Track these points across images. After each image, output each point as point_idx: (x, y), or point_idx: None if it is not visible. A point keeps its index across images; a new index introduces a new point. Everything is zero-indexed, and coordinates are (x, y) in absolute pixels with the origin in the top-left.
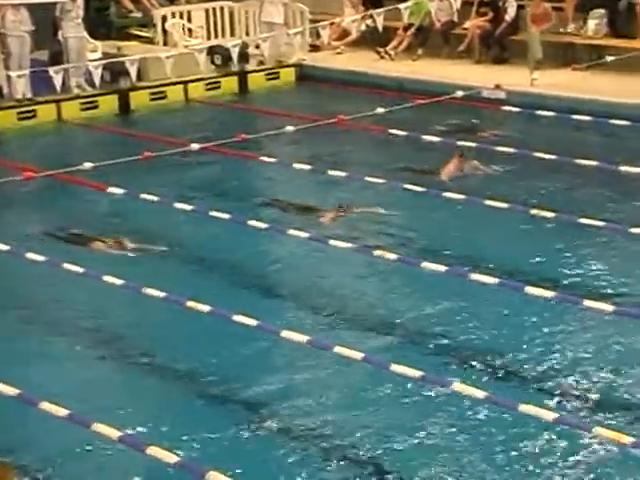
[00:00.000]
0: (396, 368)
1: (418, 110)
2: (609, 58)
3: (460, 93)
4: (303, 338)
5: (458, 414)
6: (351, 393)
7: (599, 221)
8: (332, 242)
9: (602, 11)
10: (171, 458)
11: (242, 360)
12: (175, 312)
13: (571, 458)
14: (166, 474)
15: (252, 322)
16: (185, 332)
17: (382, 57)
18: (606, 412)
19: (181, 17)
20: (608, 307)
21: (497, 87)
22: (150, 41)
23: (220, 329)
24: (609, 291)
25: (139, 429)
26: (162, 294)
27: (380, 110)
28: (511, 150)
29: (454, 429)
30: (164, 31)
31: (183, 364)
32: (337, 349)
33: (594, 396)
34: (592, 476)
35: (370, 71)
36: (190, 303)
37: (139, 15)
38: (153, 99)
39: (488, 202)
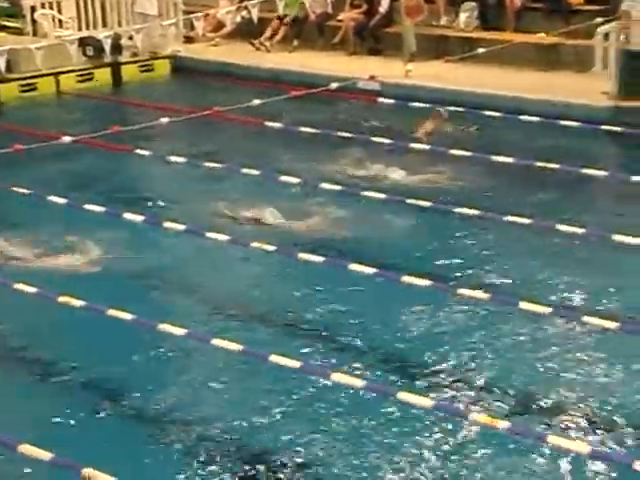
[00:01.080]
0: (275, 359)
1: (294, 102)
2: (480, 50)
3: (335, 84)
4: (181, 331)
5: (336, 403)
6: (229, 384)
7: (473, 209)
8: (208, 234)
9: (473, 4)
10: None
11: (124, 356)
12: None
13: (450, 442)
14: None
15: (127, 316)
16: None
17: (257, 48)
18: (482, 398)
19: (51, 7)
20: (482, 295)
21: (372, 78)
22: (19, 32)
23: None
24: (484, 280)
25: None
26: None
27: (256, 102)
28: (387, 141)
29: (331, 416)
30: (33, 21)
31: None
32: (215, 341)
33: (472, 383)
34: (467, 460)
35: (246, 63)
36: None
37: (7, 5)
38: (23, 91)
39: (367, 193)
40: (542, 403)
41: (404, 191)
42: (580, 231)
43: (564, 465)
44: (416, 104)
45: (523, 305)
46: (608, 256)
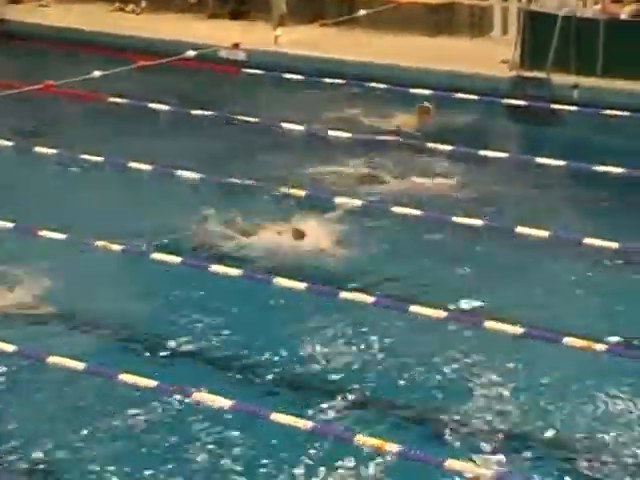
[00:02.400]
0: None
1: (143, 73)
2: (361, 12)
3: (192, 53)
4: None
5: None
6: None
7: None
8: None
9: None
10: None
11: None
12: None
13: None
14: None
15: None
16: None
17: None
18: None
19: None
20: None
21: (236, 46)
22: None
23: None
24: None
25: None
26: None
27: (97, 73)
28: (253, 119)
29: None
30: None
31: None
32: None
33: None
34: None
35: (86, 28)
36: None
37: None
38: None
39: (234, 180)
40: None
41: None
42: (478, 223)
43: None
44: (288, 75)
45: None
46: (508, 253)
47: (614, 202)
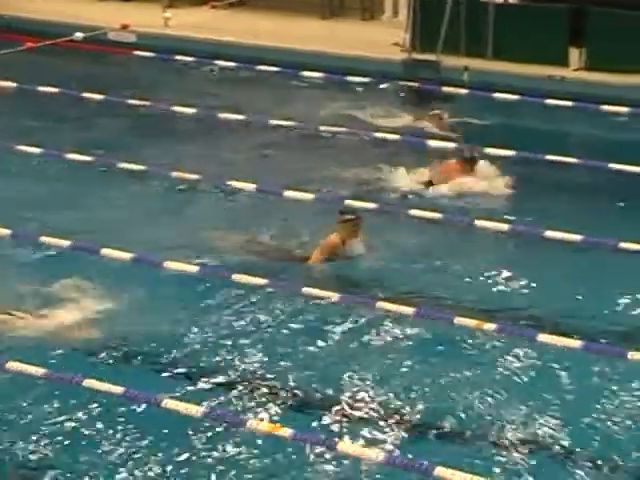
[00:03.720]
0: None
1: (31, 55)
2: None
3: (80, 35)
4: None
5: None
6: None
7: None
8: None
9: None
10: None
11: None
12: None
13: (229, 451)
14: None
15: None
16: None
17: None
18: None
19: None
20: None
21: (125, 28)
22: None
23: None
24: None
25: None
26: None
27: None
28: (144, 102)
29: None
30: None
31: None
32: None
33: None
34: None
35: None
36: None
37: None
38: None
39: (123, 164)
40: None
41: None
42: (372, 206)
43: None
44: (178, 58)
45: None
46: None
47: (503, 182)
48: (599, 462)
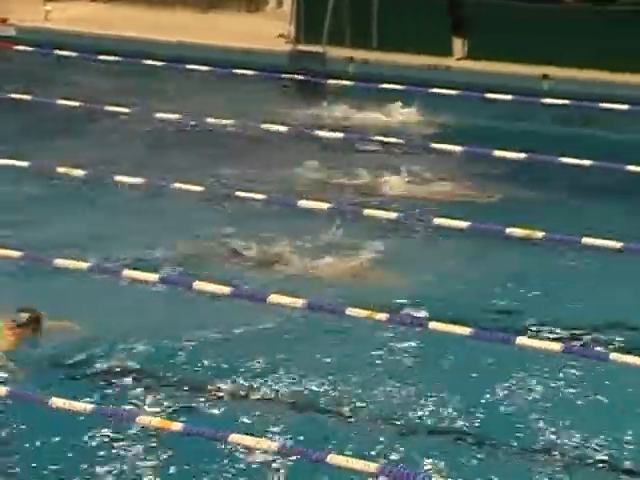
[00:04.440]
0: None
1: None
2: None
3: None
4: None
5: None
6: None
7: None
8: None
9: None
10: None
11: None
12: None
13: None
14: None
15: None
16: None
17: None
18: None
19: None
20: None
21: (4, 22)
22: None
23: None
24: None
25: None
26: None
27: None
28: (25, 97)
29: None
30: None
31: None
32: None
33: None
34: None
35: None
36: None
37: None
38: None
39: (5, 160)
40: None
41: None
42: (260, 197)
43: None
44: (59, 52)
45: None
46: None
47: (391, 168)
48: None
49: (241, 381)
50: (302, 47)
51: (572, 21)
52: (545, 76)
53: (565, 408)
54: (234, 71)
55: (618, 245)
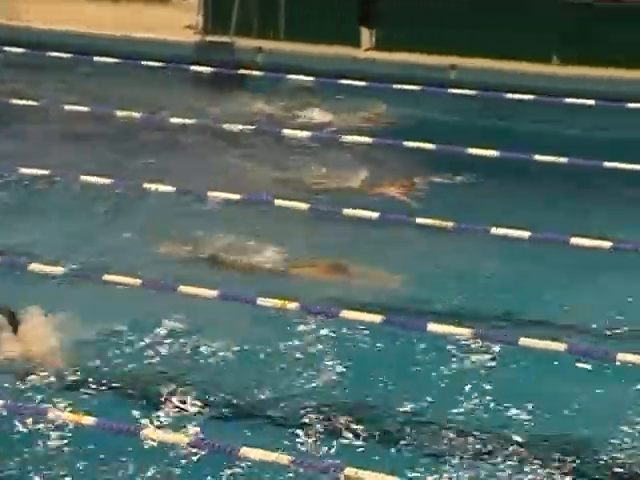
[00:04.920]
0: None
1: None
2: None
3: None
4: None
5: None
6: None
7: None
8: None
9: None
10: None
11: None
12: None
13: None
14: None
15: None
16: None
17: None
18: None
19: None
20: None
21: None
22: None
23: None
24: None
25: None
26: None
27: None
28: None
29: None
30: None
31: None
32: None
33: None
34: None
35: None
36: None
37: None
38: None
39: None
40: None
41: None
42: (170, 189)
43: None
44: None
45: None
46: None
47: (301, 161)
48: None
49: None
50: (210, 38)
51: (479, 11)
52: (453, 66)
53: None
54: (142, 63)
55: (526, 235)
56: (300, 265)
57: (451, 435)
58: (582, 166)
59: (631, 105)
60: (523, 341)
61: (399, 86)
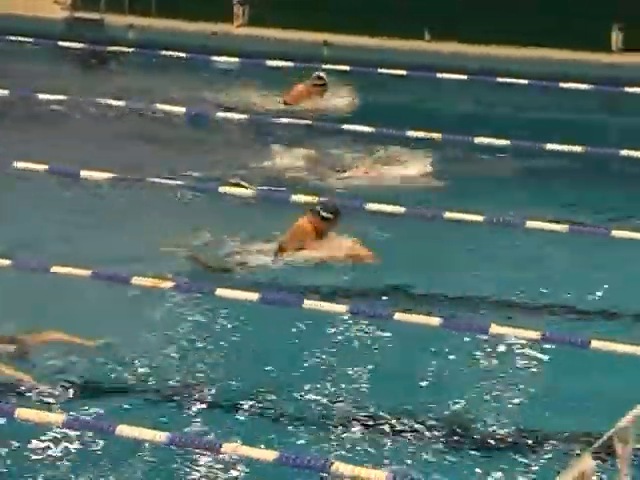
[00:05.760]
0: None
1: None
2: None
3: None
4: None
5: None
6: None
7: None
8: None
9: None
10: None
11: None
12: None
13: None
14: None
15: None
16: None
17: None
18: None
19: None
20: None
21: None
22: None
23: None
24: None
25: None
26: None
27: None
28: None
29: None
30: None
31: None
32: None
33: None
34: None
35: None
36: None
37: None
38: None
39: None
40: None
41: None
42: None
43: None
44: None
45: None
46: None
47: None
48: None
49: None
50: (79, 14)
51: None
52: (325, 42)
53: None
54: (9, 38)
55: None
56: None
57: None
58: (454, 141)
59: (501, 79)
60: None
61: (272, 62)
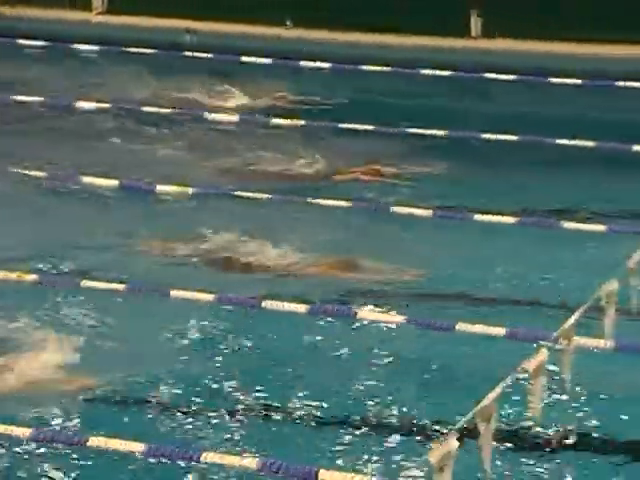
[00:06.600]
0: None
1: None
2: None
3: None
4: None
5: None
6: None
7: None
8: None
9: None
10: None
11: None
12: None
13: None
14: None
15: None
16: None
17: None
18: None
19: None
20: None
21: None
22: None
23: None
24: None
25: None
26: None
27: None
28: None
29: None
30: None
31: None
32: None
33: None
34: None
35: None
36: None
37: None
38: None
39: None
40: None
41: None
42: None
43: None
44: None
45: None
46: None
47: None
48: None
49: None
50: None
51: None
52: (188, 30)
53: None
54: None
55: None
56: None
57: None
58: (317, 127)
59: (365, 67)
60: None
61: (133, 49)
